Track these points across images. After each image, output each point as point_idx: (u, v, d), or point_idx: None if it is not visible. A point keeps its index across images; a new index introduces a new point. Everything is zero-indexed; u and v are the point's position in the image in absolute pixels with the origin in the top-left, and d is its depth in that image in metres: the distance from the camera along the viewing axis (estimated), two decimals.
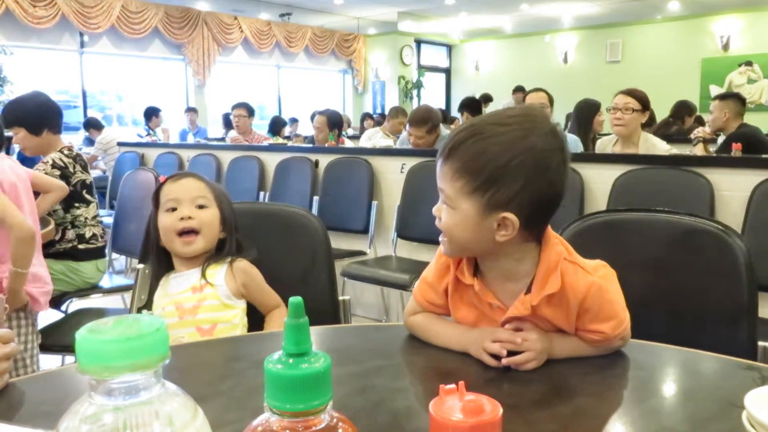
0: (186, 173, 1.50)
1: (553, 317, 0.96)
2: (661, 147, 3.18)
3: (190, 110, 8.90)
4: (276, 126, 7.61)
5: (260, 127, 7.53)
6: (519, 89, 9.61)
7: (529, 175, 0.87)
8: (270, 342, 1.16)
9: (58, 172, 2.55)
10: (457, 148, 0.90)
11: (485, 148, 0.88)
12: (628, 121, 3.10)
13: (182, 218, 1.40)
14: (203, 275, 1.41)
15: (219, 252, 1.46)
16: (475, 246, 0.94)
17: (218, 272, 1.42)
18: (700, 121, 6.42)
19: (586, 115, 4.20)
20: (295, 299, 0.41)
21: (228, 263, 1.44)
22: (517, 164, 0.87)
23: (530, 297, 0.94)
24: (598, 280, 0.94)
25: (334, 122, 4.88)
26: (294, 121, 9.65)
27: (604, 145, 3.44)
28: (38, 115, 2.64)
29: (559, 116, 6.49)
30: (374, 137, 5.67)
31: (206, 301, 1.38)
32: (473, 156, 0.88)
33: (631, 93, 3.09)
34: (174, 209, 1.41)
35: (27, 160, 5.00)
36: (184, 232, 1.40)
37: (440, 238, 0.98)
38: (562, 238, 0.99)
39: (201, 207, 1.43)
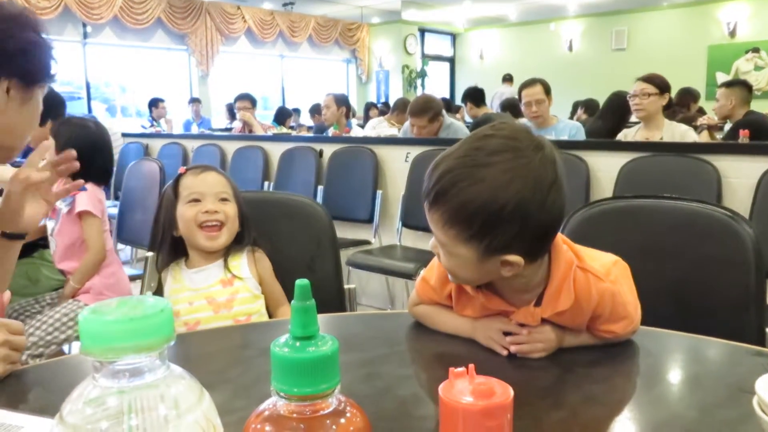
0: (207, 167, 1.49)
1: (563, 323, 0.94)
2: (680, 128, 3.36)
3: (194, 101, 8.88)
4: (281, 116, 7.60)
5: (264, 117, 7.52)
6: (508, 78, 9.56)
7: (524, 216, 0.81)
8: (278, 330, 1.15)
9: None
10: (442, 195, 0.83)
11: (472, 196, 0.80)
12: (647, 105, 3.28)
13: (207, 211, 1.39)
14: (227, 268, 1.41)
15: (237, 244, 1.46)
16: (481, 281, 0.92)
17: (242, 264, 1.43)
18: (701, 111, 6.39)
19: (619, 108, 4.13)
20: (302, 281, 0.41)
21: (247, 253, 1.45)
22: (510, 210, 0.80)
23: (541, 310, 0.92)
24: (611, 286, 0.91)
25: (341, 100, 4.89)
26: (296, 111, 9.63)
27: (625, 136, 3.52)
28: (46, 108, 2.66)
29: (563, 105, 6.46)
30: (379, 127, 5.65)
31: (239, 294, 1.40)
32: (461, 205, 0.81)
33: (647, 79, 3.27)
34: (197, 201, 1.41)
35: (32, 151, 4.98)
36: (207, 225, 1.40)
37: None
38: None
39: (223, 200, 1.43)
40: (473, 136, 0.86)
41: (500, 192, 0.80)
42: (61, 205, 2.21)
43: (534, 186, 0.81)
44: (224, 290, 1.40)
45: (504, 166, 0.81)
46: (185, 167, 1.48)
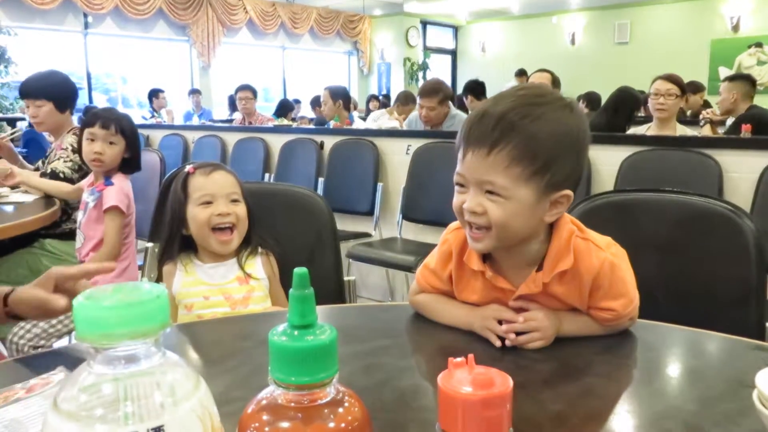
0: (216, 165, 1.47)
1: (565, 295, 0.95)
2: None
3: (194, 92, 8.87)
4: (283, 109, 7.56)
5: (265, 109, 7.50)
6: (522, 73, 9.54)
7: (580, 148, 0.90)
8: (276, 320, 1.15)
9: (78, 158, 2.50)
10: (509, 132, 0.85)
11: (537, 130, 0.85)
12: (671, 105, 3.31)
13: (220, 214, 1.38)
14: (242, 269, 1.42)
15: (247, 244, 1.46)
16: (523, 233, 0.91)
17: (256, 264, 1.44)
18: (706, 104, 6.38)
19: (626, 103, 4.10)
20: (301, 269, 0.40)
21: (261, 256, 1.45)
22: (571, 140, 0.88)
23: (542, 274, 0.93)
24: (611, 257, 0.93)
25: (336, 93, 4.88)
26: (297, 102, 9.62)
27: (637, 133, 3.52)
28: (65, 92, 2.64)
29: None
30: (380, 119, 5.65)
31: (254, 292, 1.41)
32: (527, 140, 0.85)
33: (671, 79, 3.30)
34: (209, 203, 1.40)
35: (33, 141, 4.97)
36: (219, 229, 1.39)
37: (475, 235, 0.90)
38: None
39: (234, 201, 1.42)
40: (507, 90, 0.92)
41: (561, 124, 0.87)
42: (89, 199, 2.19)
43: (579, 124, 0.90)
44: (241, 287, 1.41)
45: (556, 104, 0.89)
46: (194, 166, 1.45)
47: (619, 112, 4.07)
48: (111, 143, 2.15)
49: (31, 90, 2.58)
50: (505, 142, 0.85)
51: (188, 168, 1.45)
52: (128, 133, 2.18)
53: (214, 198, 1.40)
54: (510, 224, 0.88)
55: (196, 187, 1.41)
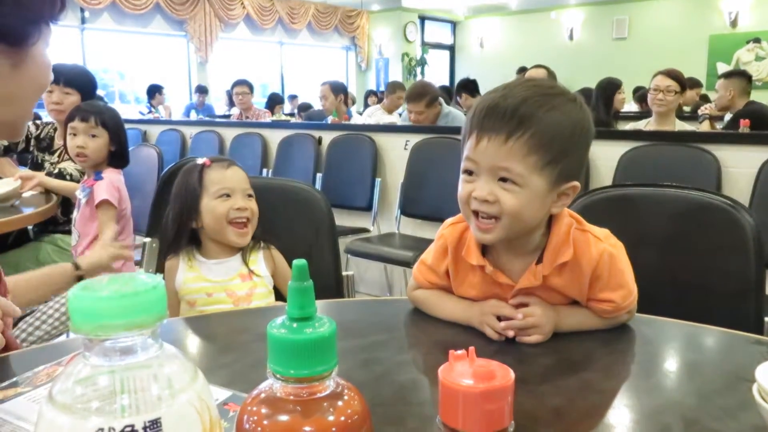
0: (231, 161, 1.48)
1: (564, 287, 0.95)
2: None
3: (201, 91, 8.87)
4: (272, 102, 7.52)
5: (262, 104, 7.47)
6: (522, 71, 9.55)
7: (587, 140, 0.91)
8: (275, 314, 1.15)
9: None
10: (527, 120, 0.85)
11: (554, 120, 0.86)
12: (670, 101, 3.31)
13: (239, 208, 1.40)
14: (246, 264, 1.42)
15: (252, 239, 1.47)
16: (532, 224, 0.91)
17: (258, 260, 1.45)
18: (705, 99, 6.39)
19: (608, 93, 4.21)
20: (300, 261, 0.40)
21: (263, 251, 1.46)
22: (580, 133, 0.89)
23: (542, 267, 0.93)
24: (610, 248, 0.93)
25: (337, 88, 4.87)
26: (293, 97, 9.59)
27: (636, 128, 3.54)
28: (91, 87, 2.65)
29: None
30: (375, 114, 5.64)
31: (257, 288, 1.42)
32: (545, 129, 0.85)
33: (671, 75, 3.29)
34: (227, 196, 1.41)
35: None
36: (236, 222, 1.40)
37: (483, 226, 0.89)
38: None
39: (249, 196, 1.44)
40: (513, 81, 0.92)
41: (572, 115, 0.88)
42: (80, 196, 2.18)
43: (589, 115, 0.92)
44: (243, 284, 1.41)
45: (566, 96, 0.90)
46: (210, 159, 1.46)
47: (605, 103, 4.15)
48: (93, 136, 2.14)
49: (63, 76, 2.53)
50: (523, 130, 0.85)
51: (204, 160, 1.46)
52: (110, 125, 2.17)
53: (233, 192, 1.41)
54: (521, 213, 0.88)
55: (214, 181, 1.42)
